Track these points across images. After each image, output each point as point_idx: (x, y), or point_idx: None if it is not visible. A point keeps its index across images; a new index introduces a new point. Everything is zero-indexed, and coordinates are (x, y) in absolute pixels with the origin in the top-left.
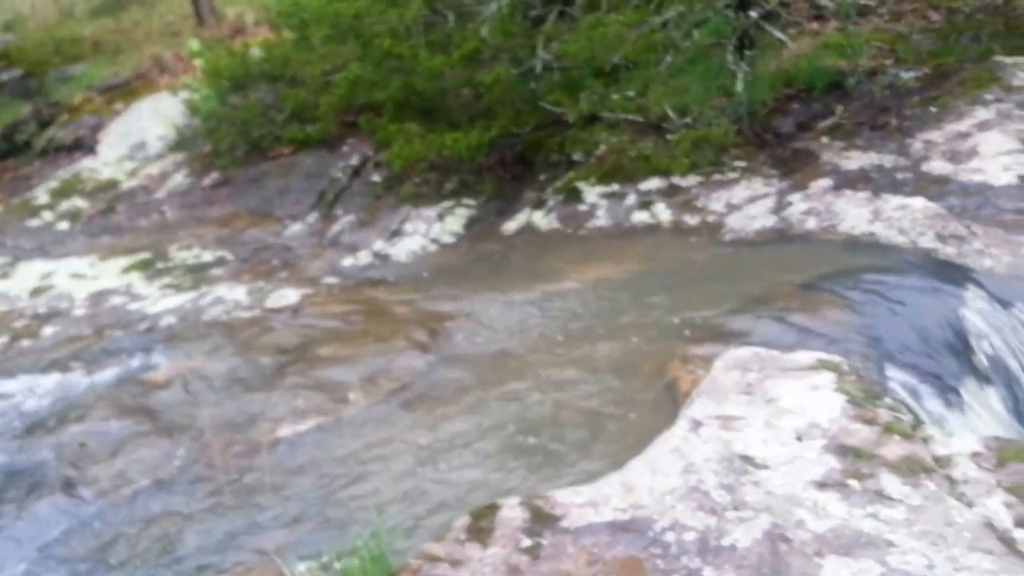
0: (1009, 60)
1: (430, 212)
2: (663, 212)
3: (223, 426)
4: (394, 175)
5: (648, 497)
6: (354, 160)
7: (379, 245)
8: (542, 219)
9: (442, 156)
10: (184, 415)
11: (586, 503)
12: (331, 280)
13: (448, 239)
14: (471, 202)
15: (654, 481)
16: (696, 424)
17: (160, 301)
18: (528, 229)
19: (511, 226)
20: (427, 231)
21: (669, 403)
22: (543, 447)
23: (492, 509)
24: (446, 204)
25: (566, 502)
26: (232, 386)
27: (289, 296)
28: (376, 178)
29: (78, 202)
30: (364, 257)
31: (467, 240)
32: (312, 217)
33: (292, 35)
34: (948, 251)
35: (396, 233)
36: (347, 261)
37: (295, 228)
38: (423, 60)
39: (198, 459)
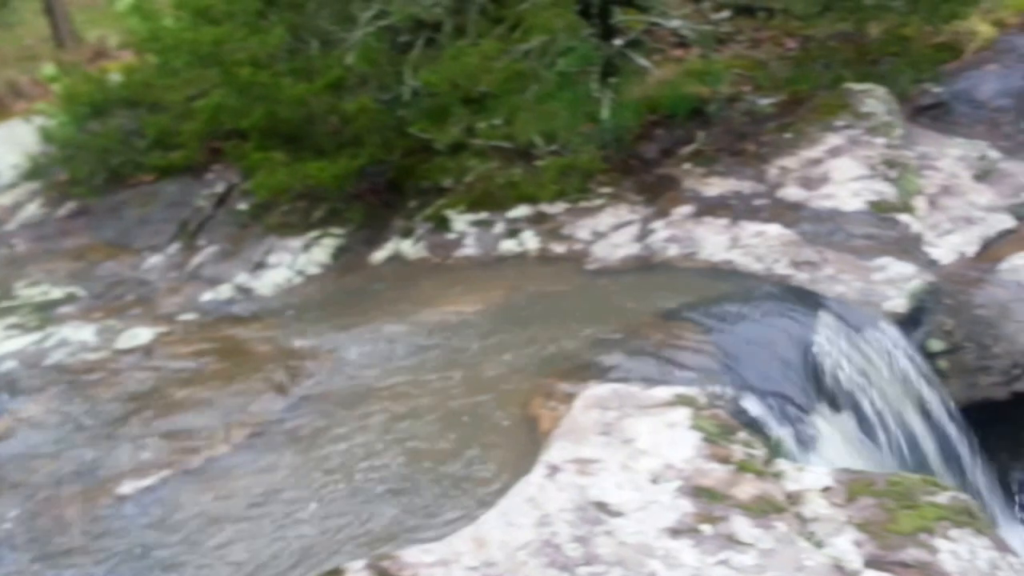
0: (858, 87)
1: (296, 242)
2: (531, 240)
3: (60, 482)
4: (261, 203)
5: (500, 553)
6: (219, 188)
7: (242, 278)
8: (411, 248)
9: (308, 185)
10: (19, 470)
11: (436, 562)
12: (189, 317)
13: (314, 270)
14: (339, 231)
15: (507, 535)
16: (553, 470)
17: (0, 344)
18: (396, 259)
19: (379, 256)
20: (292, 262)
21: (529, 444)
22: (398, 498)
23: (336, 574)
24: (313, 234)
25: (415, 562)
26: (74, 437)
27: (142, 335)
28: (242, 206)
29: None
30: (226, 291)
31: (334, 271)
32: (173, 248)
33: (154, 60)
34: (802, 277)
35: (260, 265)
36: (207, 295)
37: (154, 260)
38: (286, 88)
39: (30, 520)
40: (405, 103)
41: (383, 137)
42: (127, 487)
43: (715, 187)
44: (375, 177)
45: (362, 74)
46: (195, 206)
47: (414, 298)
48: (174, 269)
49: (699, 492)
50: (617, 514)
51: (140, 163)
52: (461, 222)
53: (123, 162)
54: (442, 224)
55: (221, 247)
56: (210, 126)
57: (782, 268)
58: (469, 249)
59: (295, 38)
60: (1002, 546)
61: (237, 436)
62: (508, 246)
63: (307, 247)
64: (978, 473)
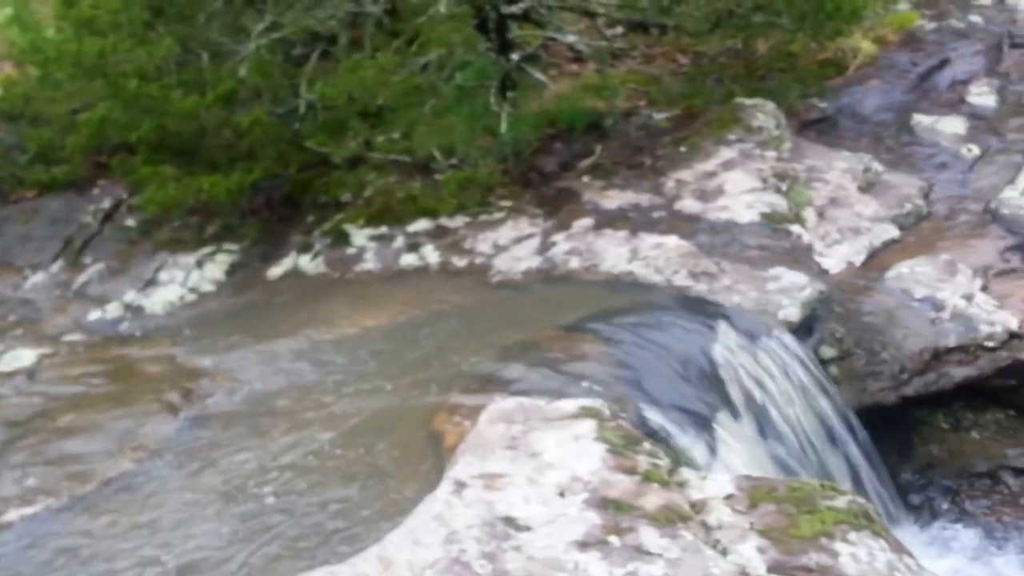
0: (749, 102)
1: (188, 259)
2: (431, 254)
3: None
4: (150, 219)
5: (408, 573)
6: (106, 203)
7: (131, 296)
8: (309, 263)
9: (201, 200)
10: None
11: None
12: (75, 337)
13: (208, 287)
14: (233, 247)
15: (414, 554)
16: (460, 486)
17: None
18: (294, 274)
19: (276, 271)
20: (185, 279)
21: (435, 461)
22: (299, 521)
23: None
24: (206, 250)
25: None
26: None
27: (24, 357)
28: (131, 222)
29: None
30: (114, 310)
31: (229, 288)
32: (57, 266)
33: (36, 72)
34: (700, 288)
35: (151, 282)
36: (94, 315)
37: (37, 279)
38: (176, 101)
39: None
40: (301, 116)
41: (278, 151)
42: (12, 515)
43: (614, 200)
44: (271, 191)
45: (256, 87)
46: (80, 222)
47: (313, 314)
48: (59, 288)
49: (606, 504)
50: (525, 529)
51: (21, 178)
52: (360, 237)
53: (3, 177)
54: (341, 239)
55: (108, 265)
56: (95, 140)
57: (681, 279)
58: (369, 264)
59: (185, 50)
60: (898, 548)
61: (128, 460)
62: (409, 260)
63: (200, 264)
64: (871, 476)
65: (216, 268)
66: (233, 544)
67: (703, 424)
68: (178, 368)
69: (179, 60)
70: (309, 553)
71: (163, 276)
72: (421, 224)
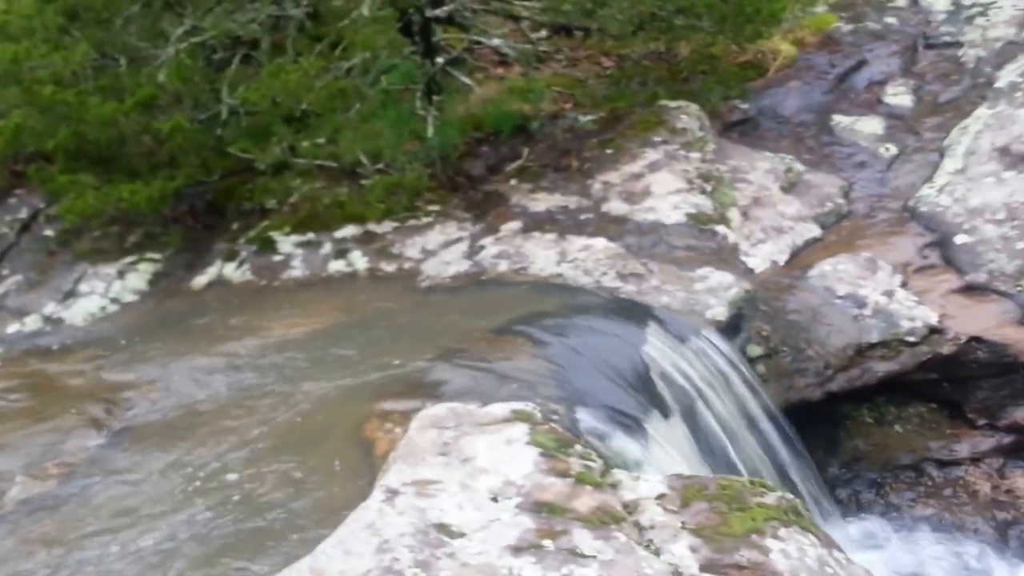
0: (673, 104)
1: (110, 269)
2: (359, 260)
3: None
4: (69, 229)
5: None
6: (23, 213)
7: (51, 308)
8: (235, 271)
9: (121, 209)
10: None
11: None
12: None
13: (131, 297)
14: (156, 256)
15: (347, 564)
16: (392, 493)
17: None
18: (220, 283)
19: (201, 280)
20: (106, 290)
21: (366, 469)
22: (228, 534)
23: None
24: (128, 259)
25: None
26: None
27: None
28: (49, 232)
29: None
30: (33, 322)
31: (153, 298)
32: None
33: None
34: (629, 289)
35: (71, 294)
36: (12, 328)
37: None
38: (93, 107)
39: None
40: (223, 122)
41: (201, 157)
42: None
43: (542, 202)
44: (194, 199)
45: (176, 92)
46: None
47: (240, 323)
48: None
49: (539, 507)
50: (459, 535)
51: None
52: (287, 243)
53: None
54: (267, 246)
55: (26, 276)
56: (11, 148)
57: (610, 281)
58: (296, 271)
59: (101, 55)
60: (828, 542)
61: (51, 476)
62: (337, 266)
63: (122, 274)
64: (799, 471)
65: (138, 278)
66: (156, 563)
67: (635, 425)
68: (100, 381)
69: (96, 65)
70: (238, 569)
71: (83, 287)
72: (349, 230)
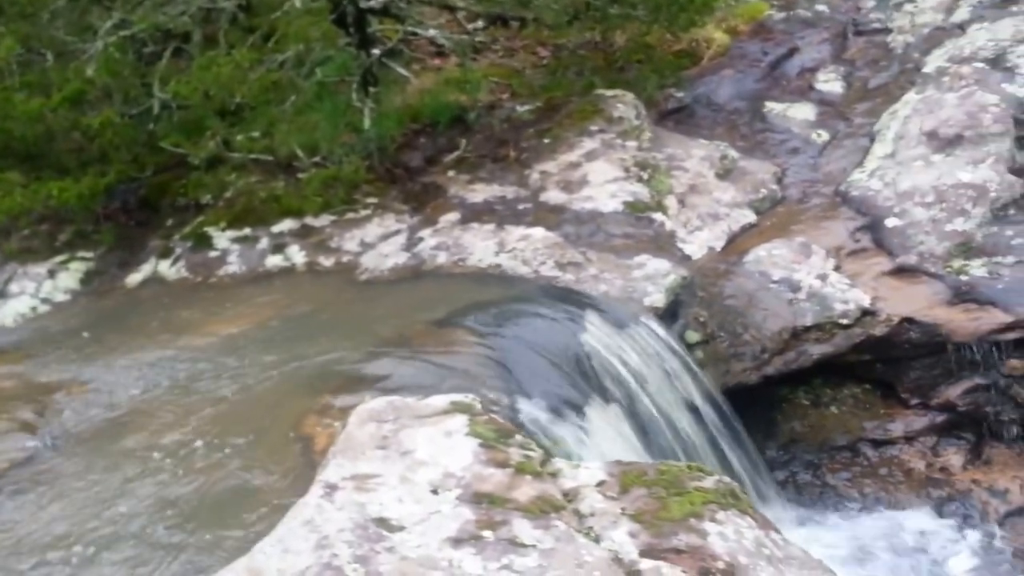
0: (609, 93)
1: (40, 268)
2: (297, 254)
3: None
4: None
5: None
6: None
7: None
8: (170, 269)
9: (51, 207)
10: None
11: None
12: None
13: (62, 297)
14: (88, 255)
15: (285, 562)
16: (331, 489)
17: None
18: (155, 280)
19: (136, 278)
20: (37, 290)
21: (305, 465)
22: (164, 536)
23: None
24: (59, 258)
25: None
26: None
27: None
28: None
29: None
30: None
31: (85, 297)
32: None
33: None
34: (567, 278)
35: (0, 295)
36: None
37: None
38: (19, 103)
39: None
40: (155, 117)
41: (133, 153)
42: None
43: (480, 193)
44: (127, 195)
45: (105, 87)
46: None
47: (176, 321)
48: None
49: (479, 498)
50: (399, 528)
51: None
52: (223, 239)
53: None
54: (203, 242)
55: None
56: None
57: (548, 270)
58: (233, 267)
59: (27, 49)
60: (765, 524)
61: None
62: (274, 261)
63: (53, 273)
64: (738, 455)
65: (70, 277)
66: (92, 567)
67: (575, 413)
68: (32, 383)
69: (22, 60)
70: (173, 570)
71: (13, 287)
72: (286, 224)
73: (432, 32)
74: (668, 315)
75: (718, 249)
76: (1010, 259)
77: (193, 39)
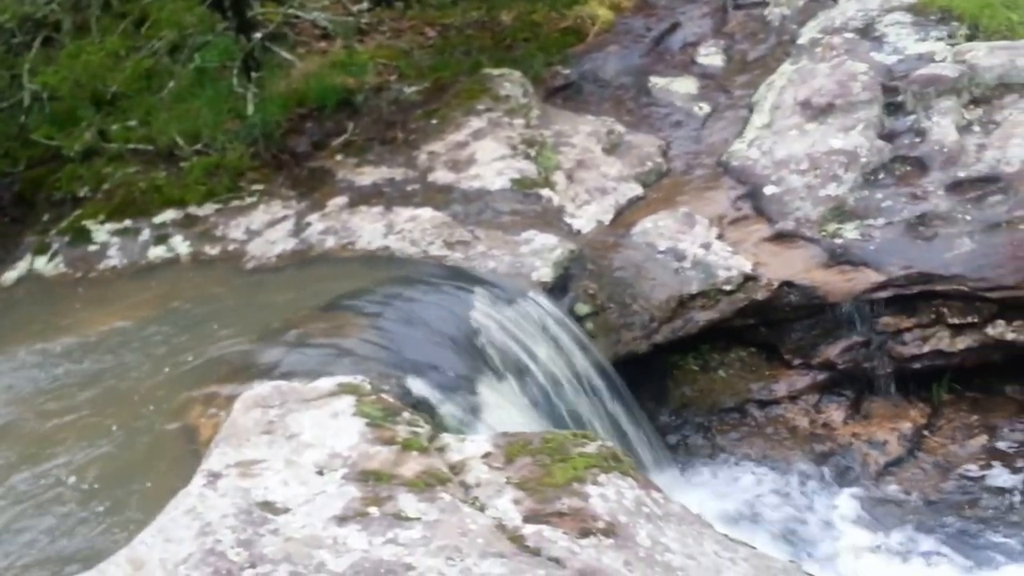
0: (496, 72)
1: None
2: (181, 245)
3: None
4: None
5: (160, 572)
6: None
7: None
8: (47, 265)
9: None
10: None
11: None
12: None
13: None
14: None
15: (167, 551)
16: (214, 477)
17: None
18: (31, 277)
19: (11, 276)
20: None
21: (189, 455)
22: (45, 533)
23: None
24: None
25: None
26: None
27: None
28: None
29: None
30: None
31: None
32: None
33: None
34: (456, 257)
35: None
36: None
37: None
38: None
39: None
40: (26, 109)
41: (4, 147)
42: None
43: (368, 176)
44: (0, 191)
45: None
46: None
47: (56, 318)
48: None
49: (365, 476)
50: (284, 511)
51: None
52: (102, 232)
53: None
54: (81, 236)
55: None
56: None
57: (437, 249)
58: (114, 260)
59: None
60: (646, 484)
61: None
62: (157, 253)
63: None
64: (630, 422)
65: None
66: None
67: (466, 389)
68: None
69: None
70: (54, 566)
71: None
72: (168, 214)
73: (315, 14)
74: (558, 289)
75: (606, 222)
76: (880, 221)
77: (64, 27)
